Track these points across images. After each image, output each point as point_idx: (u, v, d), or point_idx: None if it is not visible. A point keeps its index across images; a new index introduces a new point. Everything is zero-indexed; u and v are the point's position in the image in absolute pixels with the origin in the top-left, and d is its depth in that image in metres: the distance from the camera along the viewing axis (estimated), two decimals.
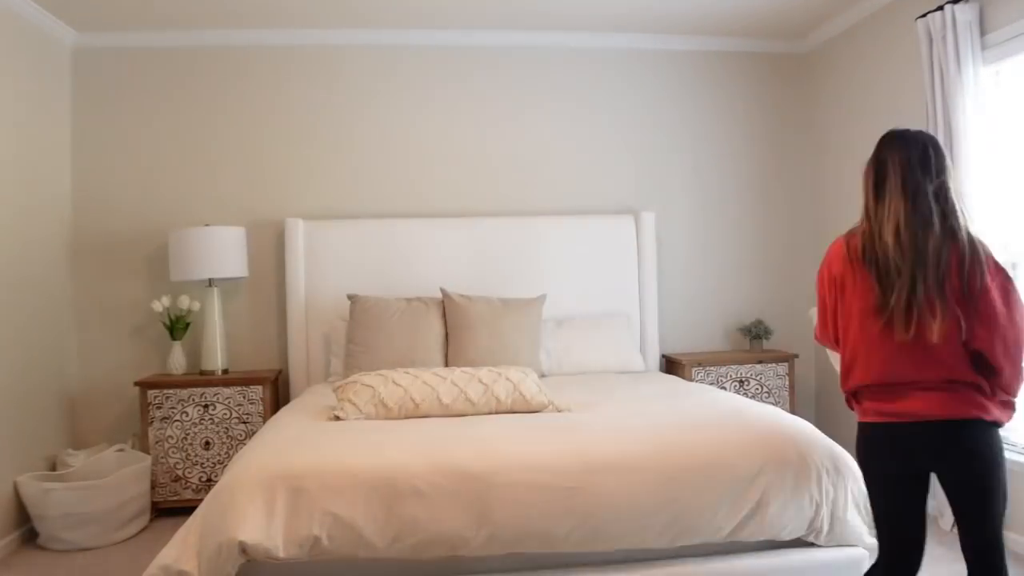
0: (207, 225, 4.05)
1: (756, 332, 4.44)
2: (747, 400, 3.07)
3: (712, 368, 4.20)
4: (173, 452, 3.81)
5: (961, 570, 2.96)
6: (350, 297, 3.93)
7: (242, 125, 4.29)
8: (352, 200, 4.35)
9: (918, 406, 1.89)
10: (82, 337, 4.13)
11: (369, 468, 2.23)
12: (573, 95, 4.52)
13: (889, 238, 1.90)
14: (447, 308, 3.91)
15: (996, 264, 1.90)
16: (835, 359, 2.15)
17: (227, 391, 3.86)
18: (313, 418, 2.83)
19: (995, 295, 1.86)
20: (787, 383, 4.26)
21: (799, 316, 4.70)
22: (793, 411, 4.20)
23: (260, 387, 3.89)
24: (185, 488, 3.82)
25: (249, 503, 2.14)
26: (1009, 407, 1.94)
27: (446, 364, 3.77)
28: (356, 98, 4.36)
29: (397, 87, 4.39)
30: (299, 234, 4.14)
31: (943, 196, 1.92)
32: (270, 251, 4.29)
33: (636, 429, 2.53)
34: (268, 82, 4.31)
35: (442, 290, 3.95)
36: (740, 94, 4.67)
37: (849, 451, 2.59)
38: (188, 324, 4.08)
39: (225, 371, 4.04)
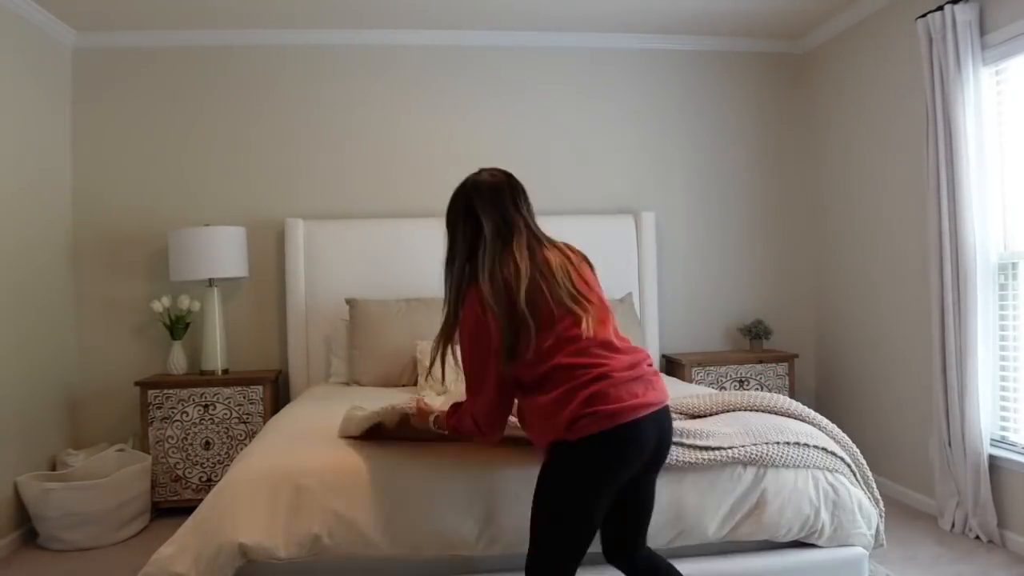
0: (207, 225, 4.05)
1: (756, 332, 4.44)
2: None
3: (712, 368, 4.20)
4: (173, 452, 3.81)
5: (962, 570, 2.98)
6: (348, 302, 3.93)
7: (242, 125, 4.29)
8: (352, 200, 4.35)
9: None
10: (82, 337, 4.13)
11: (370, 466, 2.23)
12: (573, 95, 4.52)
13: None
14: None
15: None
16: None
17: (227, 391, 3.86)
18: (316, 417, 2.83)
19: None
20: (787, 383, 4.26)
21: (799, 316, 4.71)
22: None
23: (260, 387, 3.89)
24: (185, 488, 3.82)
25: (250, 503, 2.14)
26: None
27: None
28: (356, 98, 4.36)
29: (397, 87, 4.39)
30: (299, 234, 4.14)
31: None
32: (270, 251, 4.29)
33: None
34: (269, 82, 4.31)
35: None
36: (740, 94, 4.67)
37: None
38: (188, 324, 4.08)
39: (225, 371, 4.04)
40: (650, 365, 1.95)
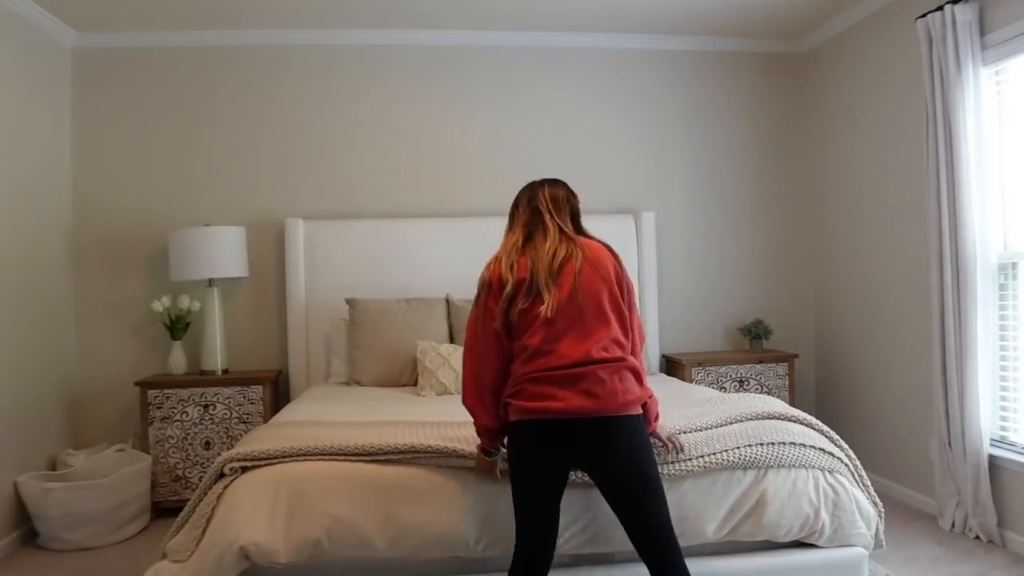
0: (207, 225, 4.05)
1: (756, 332, 4.44)
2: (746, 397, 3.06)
3: (712, 368, 4.20)
4: (173, 452, 3.81)
5: (962, 570, 2.98)
6: (348, 302, 3.93)
7: (242, 125, 4.29)
8: (352, 200, 4.35)
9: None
10: (82, 337, 4.13)
11: (369, 469, 2.23)
12: (573, 95, 4.52)
13: None
14: (451, 312, 3.93)
15: None
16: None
17: (227, 391, 3.86)
18: (315, 416, 2.83)
19: None
20: (787, 383, 4.26)
21: (799, 316, 4.71)
22: None
23: (260, 387, 3.89)
24: (185, 488, 3.82)
25: (250, 507, 2.14)
26: None
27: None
28: (356, 98, 4.36)
29: (397, 87, 4.39)
30: (299, 234, 4.14)
31: None
32: (270, 251, 4.29)
33: None
34: (268, 82, 4.31)
35: (447, 299, 3.98)
36: (740, 94, 4.67)
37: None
38: (188, 324, 4.08)
39: (225, 371, 4.04)
40: (611, 373, 1.96)
